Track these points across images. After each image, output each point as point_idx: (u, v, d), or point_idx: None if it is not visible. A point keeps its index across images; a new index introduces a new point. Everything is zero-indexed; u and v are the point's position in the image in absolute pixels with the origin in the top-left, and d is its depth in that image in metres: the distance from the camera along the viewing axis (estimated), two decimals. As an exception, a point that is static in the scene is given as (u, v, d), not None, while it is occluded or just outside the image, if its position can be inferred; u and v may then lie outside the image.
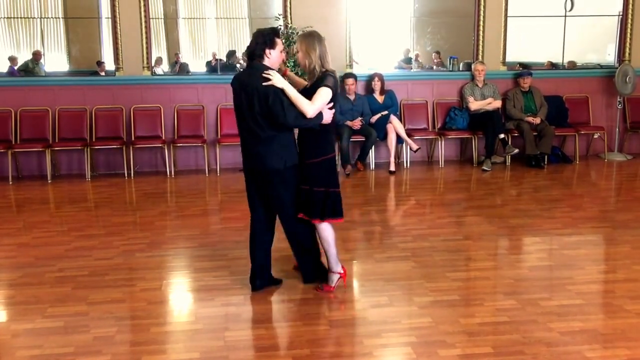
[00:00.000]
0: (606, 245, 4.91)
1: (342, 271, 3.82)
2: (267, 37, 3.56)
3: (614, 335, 3.22)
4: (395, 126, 7.56)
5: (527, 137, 7.69)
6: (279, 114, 3.48)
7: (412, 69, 9.29)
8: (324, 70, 3.58)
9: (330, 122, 3.62)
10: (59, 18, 9.79)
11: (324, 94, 3.51)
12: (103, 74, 8.65)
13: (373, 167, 7.69)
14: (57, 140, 7.46)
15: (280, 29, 7.59)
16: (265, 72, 3.48)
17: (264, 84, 3.47)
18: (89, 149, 7.40)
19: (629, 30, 8.31)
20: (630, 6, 8.25)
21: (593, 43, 9.45)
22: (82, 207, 6.21)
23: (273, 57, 3.58)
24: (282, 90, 3.48)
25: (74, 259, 4.51)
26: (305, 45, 3.57)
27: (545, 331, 3.25)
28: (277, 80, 3.47)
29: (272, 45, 3.56)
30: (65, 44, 9.90)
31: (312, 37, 3.60)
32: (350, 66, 7.92)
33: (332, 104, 3.59)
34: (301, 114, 3.50)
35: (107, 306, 3.65)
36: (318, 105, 3.50)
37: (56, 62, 9.83)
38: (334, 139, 3.86)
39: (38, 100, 7.54)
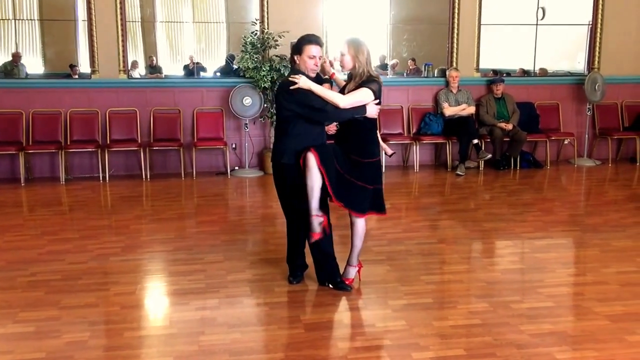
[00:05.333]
0: (576, 249, 5.02)
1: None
2: (295, 44, 3.81)
3: (583, 337, 3.29)
4: (371, 131, 7.62)
5: (497, 143, 7.86)
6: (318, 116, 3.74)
7: (388, 74, 9.38)
8: (369, 74, 3.72)
9: (376, 115, 3.78)
10: (34, 20, 9.65)
11: (363, 93, 3.69)
12: (76, 77, 8.56)
13: (349, 171, 7.73)
14: (30, 143, 7.36)
15: (257, 34, 7.62)
16: (291, 76, 3.71)
17: (291, 87, 3.66)
18: (63, 152, 7.31)
19: (598, 40, 8.53)
20: (600, 16, 8.47)
21: (564, 51, 9.66)
22: (56, 210, 6.14)
23: (300, 62, 3.78)
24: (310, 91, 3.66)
25: (46, 263, 4.45)
26: (354, 50, 3.70)
27: (516, 333, 3.31)
28: (304, 83, 3.65)
29: (299, 52, 3.76)
30: (41, 46, 9.76)
31: (360, 42, 3.74)
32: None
33: (378, 100, 3.75)
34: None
35: (80, 311, 3.61)
36: (351, 100, 3.68)
37: (31, 64, 9.68)
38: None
39: (12, 103, 7.43)
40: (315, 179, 3.60)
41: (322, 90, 3.67)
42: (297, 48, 3.78)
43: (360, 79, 3.73)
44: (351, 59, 3.71)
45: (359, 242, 3.91)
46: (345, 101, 3.66)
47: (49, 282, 4.07)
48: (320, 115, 3.71)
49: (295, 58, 3.80)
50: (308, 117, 3.72)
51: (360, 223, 3.87)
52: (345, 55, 3.71)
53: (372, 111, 3.74)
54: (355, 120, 3.74)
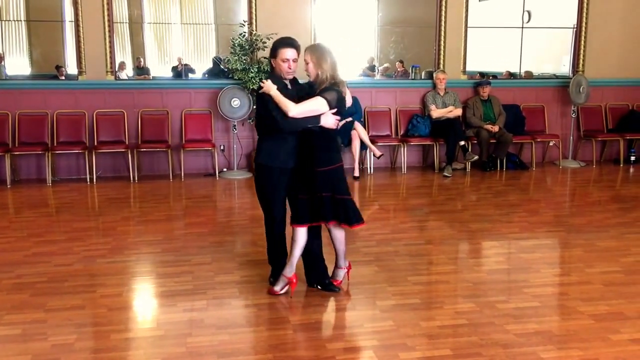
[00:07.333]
0: (560, 249, 5.08)
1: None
2: (271, 48, 3.79)
3: (568, 336, 3.33)
4: (359, 132, 7.67)
5: (484, 144, 7.93)
6: (272, 123, 3.64)
7: (375, 76, 9.43)
8: (332, 81, 3.63)
9: (333, 126, 3.68)
10: (20, 21, 9.59)
11: (315, 102, 3.58)
12: (63, 78, 8.52)
13: (337, 173, 7.76)
14: (17, 145, 7.31)
15: (245, 35, 7.63)
16: (262, 81, 3.68)
17: (260, 91, 3.66)
18: (50, 154, 7.26)
19: (582, 43, 8.63)
20: (584, 19, 8.58)
21: (549, 54, 9.77)
22: (43, 212, 6.09)
23: (276, 65, 3.74)
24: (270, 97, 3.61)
25: (32, 265, 4.42)
26: (316, 57, 3.63)
27: (502, 333, 3.34)
28: (267, 87, 3.61)
29: (274, 55, 3.73)
30: (27, 47, 9.70)
31: (322, 48, 3.68)
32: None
33: (335, 110, 3.64)
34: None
35: (66, 313, 3.60)
36: (302, 109, 3.57)
37: (18, 65, 9.62)
38: (337, 148, 3.93)
39: (-3, 104, 7.37)
40: (298, 241, 3.72)
41: (277, 96, 3.58)
42: (273, 51, 3.75)
43: (321, 87, 3.64)
44: (313, 66, 3.63)
45: (340, 246, 3.89)
46: (295, 110, 3.54)
47: (34, 285, 4.04)
48: (274, 122, 3.61)
49: (272, 62, 3.77)
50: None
51: (337, 228, 3.84)
52: (309, 64, 3.64)
53: (327, 122, 3.62)
54: (315, 129, 3.63)
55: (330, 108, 3.60)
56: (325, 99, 3.58)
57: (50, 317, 3.54)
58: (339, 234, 3.85)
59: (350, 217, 3.74)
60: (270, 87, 3.60)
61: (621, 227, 5.43)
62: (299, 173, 3.75)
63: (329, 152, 3.72)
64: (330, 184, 3.67)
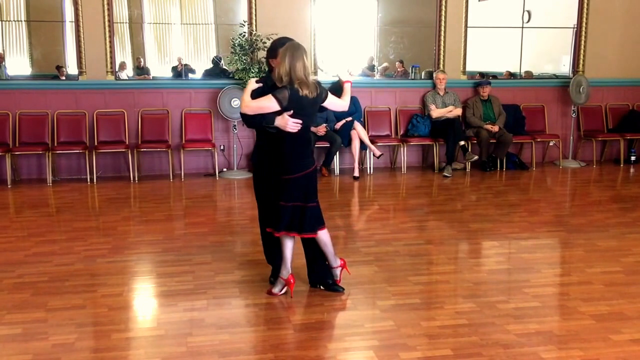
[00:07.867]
0: (561, 249, 5.08)
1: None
2: (270, 48, 3.79)
3: (568, 336, 3.32)
4: (359, 132, 7.68)
5: (484, 144, 7.93)
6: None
7: (375, 76, 9.43)
8: (290, 82, 3.58)
9: (291, 130, 3.60)
10: (21, 21, 9.59)
11: (265, 100, 3.58)
12: (63, 78, 8.52)
13: (337, 172, 7.78)
14: (17, 145, 7.31)
15: (245, 35, 7.63)
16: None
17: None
18: (50, 154, 7.27)
19: (582, 43, 8.63)
20: (585, 19, 8.58)
21: (549, 54, 9.77)
22: (43, 212, 6.10)
23: (275, 65, 3.71)
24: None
25: (33, 265, 4.42)
26: (280, 56, 3.62)
27: (503, 333, 3.34)
28: (248, 83, 3.68)
29: (274, 56, 3.72)
30: (28, 47, 9.70)
31: (286, 50, 3.61)
32: (315, 73, 7.99)
33: (291, 112, 3.58)
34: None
35: (67, 312, 3.60)
36: (253, 105, 3.60)
37: (18, 65, 9.62)
38: (310, 153, 3.86)
39: (-2, 104, 7.37)
40: (285, 243, 3.71)
41: (244, 92, 3.64)
42: (272, 52, 3.73)
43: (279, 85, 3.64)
44: (277, 63, 3.63)
45: (325, 248, 3.84)
46: (245, 105, 3.59)
47: (35, 284, 4.05)
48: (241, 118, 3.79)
49: (271, 62, 3.76)
50: None
51: (318, 234, 3.81)
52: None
53: (282, 123, 3.57)
54: (287, 135, 3.61)
55: (281, 107, 3.56)
56: (275, 97, 3.55)
57: (51, 317, 3.54)
58: (322, 238, 3.81)
59: (304, 225, 3.70)
60: (248, 83, 3.67)
61: (622, 227, 5.43)
62: (269, 178, 3.75)
63: (298, 159, 3.67)
64: (297, 191, 3.65)
